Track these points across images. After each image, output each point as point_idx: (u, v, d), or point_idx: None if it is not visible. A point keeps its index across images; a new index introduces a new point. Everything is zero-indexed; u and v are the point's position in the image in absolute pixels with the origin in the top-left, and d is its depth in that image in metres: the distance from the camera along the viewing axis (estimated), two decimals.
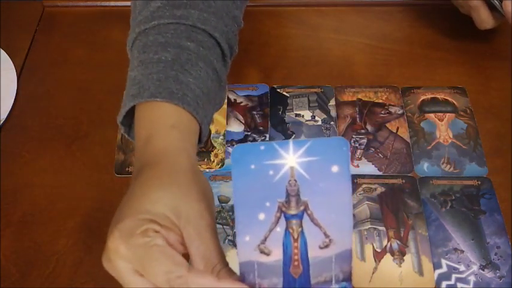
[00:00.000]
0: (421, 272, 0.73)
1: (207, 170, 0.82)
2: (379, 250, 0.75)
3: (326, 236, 0.50)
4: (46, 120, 0.89)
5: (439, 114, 0.87)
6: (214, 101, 0.67)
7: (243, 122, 0.87)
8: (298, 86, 0.92)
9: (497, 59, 0.94)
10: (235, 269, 0.52)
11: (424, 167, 0.82)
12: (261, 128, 0.87)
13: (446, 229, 0.76)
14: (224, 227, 0.77)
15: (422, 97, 0.89)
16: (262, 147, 0.47)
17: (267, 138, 0.85)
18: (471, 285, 0.72)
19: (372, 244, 0.75)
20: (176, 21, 0.65)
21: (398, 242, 0.75)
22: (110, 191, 0.81)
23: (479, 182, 0.80)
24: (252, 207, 0.48)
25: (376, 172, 0.82)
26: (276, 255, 0.50)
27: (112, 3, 1.03)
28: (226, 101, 0.88)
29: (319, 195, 0.49)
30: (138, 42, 0.66)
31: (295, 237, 0.50)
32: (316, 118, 0.87)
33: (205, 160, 0.83)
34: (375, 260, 0.74)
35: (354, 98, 0.90)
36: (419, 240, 0.75)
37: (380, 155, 0.83)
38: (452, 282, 0.72)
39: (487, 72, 0.93)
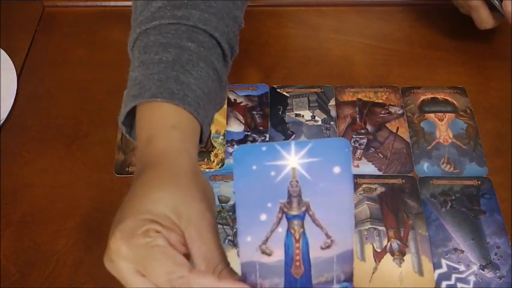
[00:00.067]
0: (421, 272, 0.73)
1: (207, 170, 0.82)
2: (379, 250, 0.75)
3: (327, 236, 0.50)
4: (46, 120, 0.89)
5: (439, 114, 0.87)
6: (215, 101, 0.67)
7: (243, 122, 0.87)
8: (298, 86, 0.92)
9: (497, 59, 0.94)
10: (236, 268, 0.52)
11: (424, 167, 0.82)
12: (261, 128, 0.87)
13: (446, 229, 0.76)
14: (224, 227, 0.77)
15: (422, 97, 0.89)
16: (264, 148, 0.47)
17: (267, 139, 0.85)
18: (471, 285, 0.72)
19: (372, 244, 0.75)
20: (177, 22, 0.65)
21: (398, 242, 0.75)
22: (110, 191, 0.81)
23: (479, 182, 0.80)
24: (253, 207, 0.48)
25: (376, 172, 0.82)
26: (278, 255, 0.50)
27: (112, 3, 1.03)
28: (226, 101, 0.88)
29: (320, 196, 0.49)
30: (139, 43, 0.66)
31: (297, 237, 0.50)
32: (316, 118, 0.88)
33: (205, 160, 0.83)
34: (375, 260, 0.74)
35: (354, 98, 0.90)
36: (419, 240, 0.75)
37: (380, 155, 0.84)
38: (452, 282, 0.72)
39: (487, 72, 0.93)
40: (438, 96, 0.89)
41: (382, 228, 0.76)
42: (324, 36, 0.99)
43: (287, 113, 0.88)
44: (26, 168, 0.84)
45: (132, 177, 0.59)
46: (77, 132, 0.87)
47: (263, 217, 0.49)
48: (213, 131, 0.85)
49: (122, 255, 0.51)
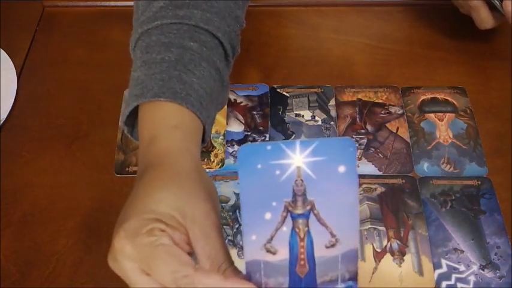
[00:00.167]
0: (421, 272, 0.73)
1: (207, 170, 0.82)
2: (379, 250, 0.75)
3: (332, 235, 0.50)
4: (46, 120, 0.89)
5: (439, 114, 0.88)
6: (217, 101, 0.67)
7: (243, 122, 0.87)
8: (298, 86, 0.92)
9: (497, 59, 0.94)
10: (240, 268, 0.52)
11: (424, 167, 0.82)
12: (261, 128, 0.87)
13: (446, 229, 0.76)
14: (224, 227, 0.77)
15: (422, 97, 0.89)
16: (268, 147, 0.47)
17: (267, 138, 0.85)
18: (471, 285, 0.72)
19: (372, 244, 0.75)
20: (179, 22, 0.65)
21: (398, 242, 0.75)
22: (110, 191, 0.81)
23: (479, 182, 0.80)
24: (258, 206, 0.48)
25: (376, 172, 0.82)
26: (282, 254, 0.50)
27: (112, 3, 1.03)
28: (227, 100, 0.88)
29: (325, 195, 0.49)
30: (141, 43, 0.66)
31: (302, 236, 0.50)
32: (316, 118, 0.88)
33: (205, 160, 0.83)
34: (375, 260, 0.74)
35: (354, 98, 0.90)
36: (419, 240, 0.75)
37: (380, 155, 0.84)
38: (452, 282, 0.72)
39: (487, 72, 0.93)
40: (438, 96, 0.90)
41: (382, 228, 0.77)
42: (324, 36, 0.99)
43: (287, 113, 0.88)
44: (26, 168, 0.84)
45: (132, 177, 0.59)
46: (77, 132, 0.87)
47: (268, 216, 0.49)
48: (213, 131, 0.85)
49: (126, 254, 0.51)
